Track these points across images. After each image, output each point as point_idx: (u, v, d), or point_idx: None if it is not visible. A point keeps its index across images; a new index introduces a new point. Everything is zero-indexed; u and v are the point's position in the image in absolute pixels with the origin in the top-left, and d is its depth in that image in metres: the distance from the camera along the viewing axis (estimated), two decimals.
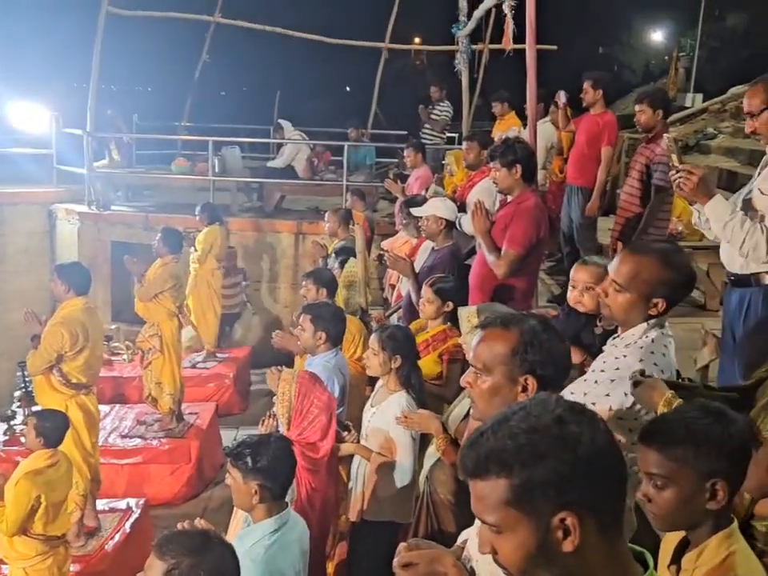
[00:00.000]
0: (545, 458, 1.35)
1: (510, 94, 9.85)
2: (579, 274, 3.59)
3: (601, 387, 2.61)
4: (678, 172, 3.43)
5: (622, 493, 1.43)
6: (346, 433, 4.41)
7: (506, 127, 9.22)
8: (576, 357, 3.16)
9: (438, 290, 4.77)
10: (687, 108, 16.86)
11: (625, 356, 2.63)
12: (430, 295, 4.78)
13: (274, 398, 4.21)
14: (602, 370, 2.66)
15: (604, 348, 2.85)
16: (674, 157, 3.54)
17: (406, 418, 3.83)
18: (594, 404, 2.54)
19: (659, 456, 2.00)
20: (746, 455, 2.03)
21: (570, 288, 3.64)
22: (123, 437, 7.64)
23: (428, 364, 4.61)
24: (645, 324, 2.66)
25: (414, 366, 4.25)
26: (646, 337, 2.65)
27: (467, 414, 3.44)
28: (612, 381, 2.60)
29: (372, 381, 4.90)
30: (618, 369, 2.62)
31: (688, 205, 3.93)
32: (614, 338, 2.80)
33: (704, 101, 17.19)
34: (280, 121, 12.37)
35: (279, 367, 4.26)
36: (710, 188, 3.43)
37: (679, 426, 2.01)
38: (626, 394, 2.57)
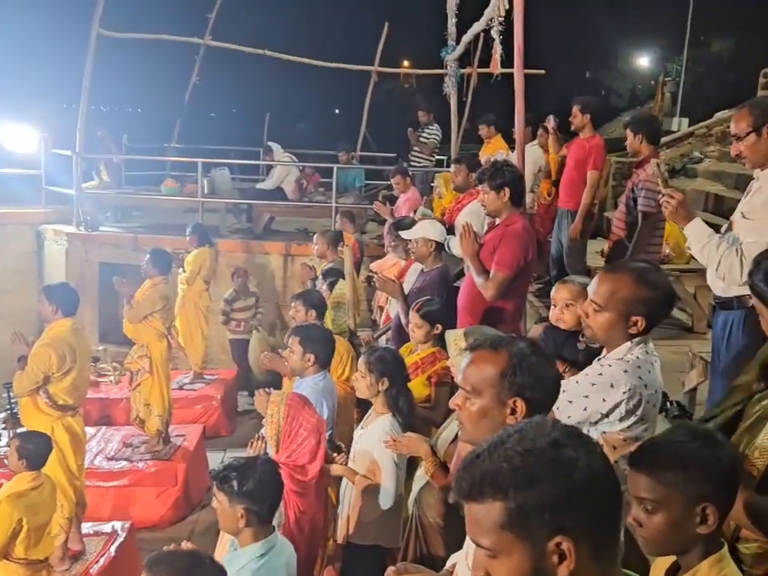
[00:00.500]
0: (540, 481, 1.34)
1: (497, 118, 9.93)
2: (559, 293, 3.64)
3: (581, 388, 2.67)
4: (662, 196, 3.52)
5: (617, 518, 1.43)
6: (335, 454, 4.40)
7: (493, 150, 9.28)
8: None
9: (425, 314, 4.78)
10: (673, 132, 16.99)
11: (610, 365, 2.69)
12: (418, 320, 4.80)
13: (263, 420, 4.19)
14: (586, 374, 2.73)
15: (593, 364, 2.87)
16: (660, 181, 3.63)
17: (394, 441, 3.82)
18: (570, 402, 2.61)
19: (649, 480, 2.00)
20: (736, 479, 2.04)
21: (551, 307, 3.68)
22: (109, 459, 7.58)
23: (417, 386, 4.60)
24: (628, 343, 2.70)
25: (403, 388, 4.24)
26: (631, 354, 2.70)
27: (456, 437, 3.43)
28: (593, 384, 2.67)
29: (360, 402, 4.89)
30: (601, 374, 2.68)
31: (675, 228, 4.00)
32: (600, 359, 2.83)
33: (690, 125, 17.35)
34: (270, 143, 12.42)
35: (268, 389, 4.25)
36: (689, 211, 3.53)
37: (668, 450, 2.02)
38: (603, 400, 2.63)
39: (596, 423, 2.68)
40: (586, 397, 2.65)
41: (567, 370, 3.23)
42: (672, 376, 4.88)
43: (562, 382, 2.71)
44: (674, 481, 1.96)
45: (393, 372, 4.19)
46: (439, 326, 4.76)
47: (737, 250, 3.40)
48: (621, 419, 2.65)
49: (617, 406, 2.64)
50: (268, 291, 11.22)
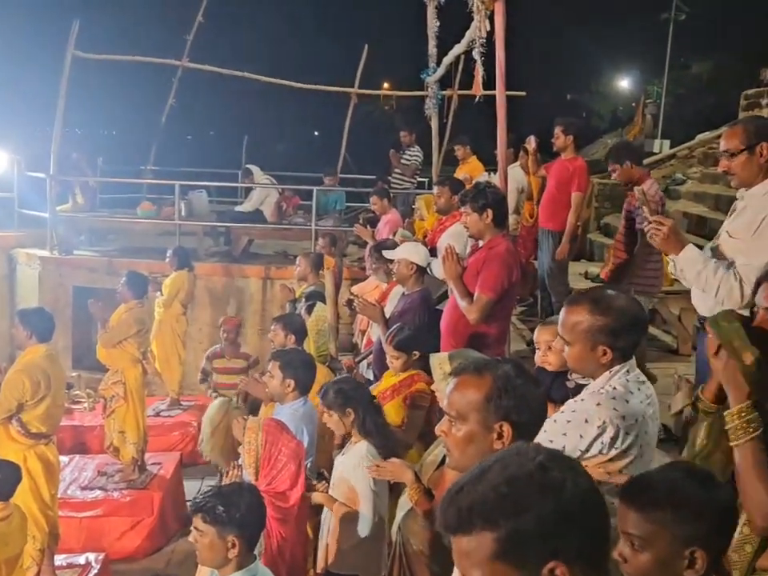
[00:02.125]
0: (530, 507, 1.33)
1: (470, 138, 10.02)
2: (541, 335, 3.68)
3: (558, 426, 2.65)
4: (649, 223, 3.49)
5: (606, 539, 1.42)
6: (315, 482, 4.37)
7: (468, 171, 9.35)
8: (549, 412, 3.18)
9: (398, 344, 4.80)
10: (655, 154, 17.19)
11: (583, 400, 2.68)
12: (393, 351, 4.82)
13: (240, 447, 4.15)
14: (562, 411, 2.72)
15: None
16: (645, 209, 3.62)
17: (377, 467, 3.79)
18: (551, 441, 2.58)
19: (638, 516, 1.96)
20: (730, 525, 1.99)
21: (536, 351, 3.70)
22: (83, 488, 7.47)
23: (393, 409, 4.61)
24: (607, 373, 2.70)
25: (370, 412, 4.23)
26: (609, 385, 2.68)
27: (442, 463, 3.41)
28: (568, 421, 2.64)
29: None
30: (574, 411, 2.67)
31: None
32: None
33: (671, 146, 17.56)
34: (249, 166, 12.44)
35: (244, 416, 4.22)
36: (681, 238, 3.48)
37: (662, 487, 1.97)
38: (581, 437, 2.60)
39: (577, 460, 2.66)
40: (564, 435, 2.62)
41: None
42: (658, 399, 4.89)
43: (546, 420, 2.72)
44: (663, 520, 1.92)
45: (354, 400, 4.20)
46: (416, 353, 4.77)
47: (734, 273, 3.37)
48: (601, 452, 2.62)
49: (593, 441, 2.61)
50: (248, 314, 11.17)
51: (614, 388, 2.66)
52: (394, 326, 4.97)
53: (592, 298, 2.72)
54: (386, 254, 5.95)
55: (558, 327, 2.80)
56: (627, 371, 2.71)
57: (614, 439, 2.60)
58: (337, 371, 6.11)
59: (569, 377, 3.43)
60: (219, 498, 3.27)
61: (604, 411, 2.60)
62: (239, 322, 9.03)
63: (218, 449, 6.10)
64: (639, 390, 2.71)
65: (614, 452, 2.62)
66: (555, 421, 2.66)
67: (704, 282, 3.43)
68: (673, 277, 3.81)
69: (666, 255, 3.63)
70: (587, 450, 2.61)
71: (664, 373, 6.07)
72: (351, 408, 4.15)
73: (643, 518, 1.95)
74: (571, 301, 2.80)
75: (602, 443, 2.60)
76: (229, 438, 5.32)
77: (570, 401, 2.75)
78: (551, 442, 2.57)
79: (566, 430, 2.62)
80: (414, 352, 4.77)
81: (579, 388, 3.10)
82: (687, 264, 3.46)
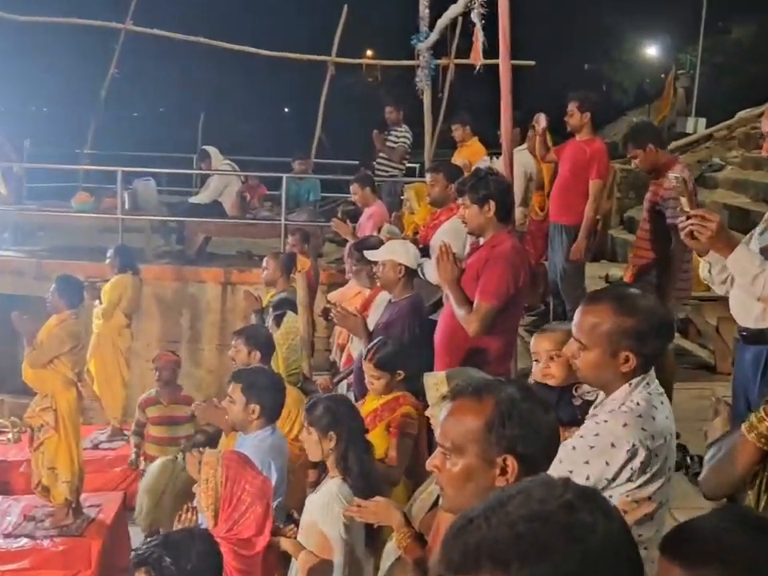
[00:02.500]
0: (551, 552, 1.30)
1: (472, 117, 10.05)
2: (540, 344, 3.69)
3: (579, 454, 2.69)
4: (688, 218, 3.45)
5: None
6: (282, 526, 4.35)
7: (468, 155, 9.37)
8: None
9: (380, 362, 4.81)
10: (688, 135, 17.27)
11: (606, 421, 2.72)
12: (373, 370, 4.83)
13: (195, 486, 4.14)
14: (581, 436, 2.76)
15: (586, 419, 2.90)
16: (684, 200, 3.58)
17: (359, 508, 3.78)
18: (570, 472, 2.63)
19: (682, 573, 1.95)
20: None
21: (533, 363, 3.74)
22: (7, 536, 7.43)
23: (374, 439, 4.59)
24: (627, 386, 2.76)
25: (353, 443, 4.22)
26: (631, 401, 2.73)
27: (435, 504, 3.42)
28: (591, 447, 2.68)
29: (317, 463, 4.86)
30: (598, 435, 2.71)
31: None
32: (596, 407, 2.88)
33: (707, 126, 17.63)
34: (206, 148, 12.40)
35: (200, 448, 4.21)
36: (730, 236, 3.47)
37: (709, 539, 1.95)
38: (607, 464, 2.65)
39: (603, 490, 2.69)
40: (587, 463, 2.67)
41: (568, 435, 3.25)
42: (692, 425, 4.90)
43: (561, 446, 2.74)
44: None
45: (341, 425, 4.18)
46: (401, 372, 4.80)
47: None
48: (630, 479, 2.68)
49: (623, 467, 2.66)
50: (204, 327, 11.15)
51: (638, 404, 2.72)
52: (376, 340, 4.98)
53: (615, 296, 2.80)
54: (369, 254, 5.95)
55: (573, 328, 2.85)
56: (647, 383, 2.77)
57: (644, 463, 2.66)
58: (311, 394, 6.10)
59: (574, 392, 3.46)
60: (166, 547, 3.26)
61: (633, 432, 2.66)
62: (177, 360, 8.62)
63: (166, 518, 5.84)
64: (662, 403, 2.79)
65: (644, 477, 2.68)
66: (574, 448, 2.71)
67: (761, 288, 3.43)
68: (704, 281, 3.81)
69: (701, 256, 3.62)
70: (614, 479, 2.67)
71: (699, 394, 6.11)
72: (336, 433, 4.14)
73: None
74: (591, 299, 2.87)
75: (632, 469, 2.66)
76: (180, 505, 5.18)
77: (589, 423, 2.79)
78: (571, 472, 2.62)
79: (588, 457, 2.67)
80: (399, 371, 4.79)
81: (587, 405, 3.13)
82: (738, 267, 3.46)
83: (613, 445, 2.66)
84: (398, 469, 4.68)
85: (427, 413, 3.97)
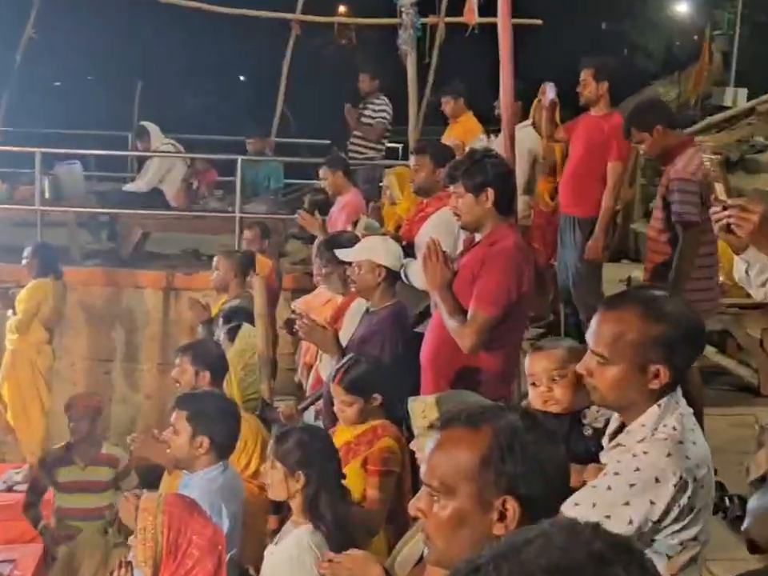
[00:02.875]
0: None
1: (466, 88, 10.07)
2: (538, 364, 3.71)
3: (616, 494, 2.70)
4: (725, 208, 3.45)
5: None
6: None
7: (461, 133, 9.39)
8: (574, 476, 3.19)
9: (351, 385, 4.81)
10: (726, 108, 17.35)
11: (645, 452, 2.74)
12: (343, 395, 4.83)
13: (131, 538, 4.12)
14: (616, 473, 2.76)
15: (607, 451, 2.94)
16: (719, 187, 3.58)
17: (330, 563, 3.77)
18: (608, 517, 2.63)
19: None
20: None
21: (529, 388, 3.75)
22: None
23: (349, 476, 4.59)
24: (656, 408, 2.79)
25: (329, 486, 4.22)
26: (664, 426, 2.77)
27: (423, 556, 3.41)
28: (632, 485, 2.70)
29: (278, 507, 4.85)
30: (638, 470, 2.71)
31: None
32: (612, 435, 2.92)
33: (749, 98, 17.72)
34: (144, 124, 12.36)
35: (136, 491, 4.19)
36: None
37: None
38: (652, 503, 2.67)
39: (647, 533, 2.72)
40: (628, 504, 2.69)
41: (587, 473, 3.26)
42: (730, 459, 4.93)
43: (589, 487, 2.79)
44: None
45: (312, 463, 4.18)
46: (377, 396, 4.80)
47: None
48: (677, 519, 2.72)
49: (670, 505, 2.70)
50: (142, 342, 11.11)
51: (674, 428, 2.76)
52: (347, 358, 4.97)
53: (640, 299, 2.84)
54: (342, 253, 5.94)
55: (590, 339, 2.86)
56: (676, 402, 2.82)
57: (691, 498, 2.70)
58: (272, 423, 6.08)
59: (582, 420, 3.47)
60: None
61: (678, 462, 2.69)
62: (97, 407, 8.01)
63: None
64: (695, 424, 2.84)
65: (690, 515, 2.72)
66: (610, 488, 2.72)
67: None
68: (740, 283, 3.81)
69: (737, 253, 3.61)
70: (661, 520, 2.70)
71: (739, 421, 6.14)
72: (306, 473, 4.14)
73: None
74: (611, 304, 2.91)
75: (680, 506, 2.70)
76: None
77: (622, 456, 2.80)
78: (608, 518, 2.64)
79: (629, 497, 2.69)
80: (374, 395, 4.78)
81: (598, 435, 3.14)
82: None
83: (657, 479, 2.68)
84: (378, 514, 4.68)
85: (412, 446, 3.96)
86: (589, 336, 2.88)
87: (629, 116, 6.56)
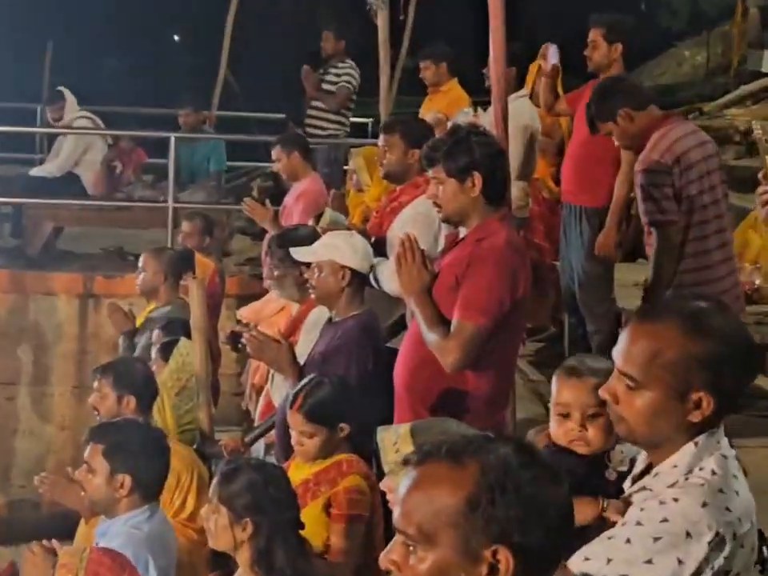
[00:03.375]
0: None
1: (452, 50, 10.11)
2: (572, 393, 3.59)
3: (637, 548, 2.61)
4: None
5: None
6: None
7: (444, 105, 9.43)
8: (588, 511, 3.20)
9: (313, 413, 4.78)
10: (764, 75, 17.42)
11: (676, 499, 2.66)
12: (303, 426, 4.80)
13: None
14: (639, 523, 2.68)
15: (631, 494, 2.89)
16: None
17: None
18: None
19: None
20: None
21: (555, 417, 3.63)
22: None
23: (308, 521, 4.57)
24: (691, 446, 2.73)
25: (284, 537, 4.22)
26: (701, 468, 2.71)
27: None
28: (656, 539, 2.60)
29: (218, 557, 4.86)
30: (665, 521, 2.63)
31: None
32: (640, 475, 2.87)
33: None
34: (60, 89, 12.31)
35: (45, 543, 4.18)
36: None
37: None
38: (680, 562, 2.58)
39: None
40: (650, 563, 2.58)
41: (606, 507, 3.25)
42: None
43: (605, 538, 2.70)
44: None
45: (263, 510, 4.19)
46: (344, 426, 4.80)
47: None
48: None
49: (702, 567, 2.60)
50: (53, 361, 11.06)
51: (713, 472, 2.69)
52: (307, 379, 4.97)
53: (684, 311, 2.75)
54: (297, 252, 5.93)
55: (618, 358, 2.79)
56: (718, 441, 2.76)
57: (728, 559, 2.62)
58: (212, 459, 6.08)
59: (607, 462, 3.45)
60: None
61: (715, 514, 2.62)
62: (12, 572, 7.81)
63: None
64: (739, 470, 2.77)
65: None
66: (629, 540, 2.64)
67: None
68: None
69: None
70: None
71: None
72: (255, 520, 4.15)
73: None
74: (647, 315, 2.85)
75: (714, 568, 2.61)
76: None
77: (651, 503, 2.71)
78: None
79: (652, 553, 2.59)
80: (341, 425, 4.78)
81: (622, 480, 3.12)
82: None
83: (689, 534, 2.58)
84: (344, 568, 4.66)
85: (382, 485, 3.97)
86: (617, 353, 2.80)
87: (587, 107, 6.60)
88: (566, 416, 3.58)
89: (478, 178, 4.80)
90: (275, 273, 6.76)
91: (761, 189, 3.52)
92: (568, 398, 3.59)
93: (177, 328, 6.98)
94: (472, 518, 2.14)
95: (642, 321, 2.81)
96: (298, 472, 4.83)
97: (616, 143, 6.34)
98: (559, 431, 3.60)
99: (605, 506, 3.22)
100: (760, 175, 3.61)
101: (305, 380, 4.97)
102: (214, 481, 4.31)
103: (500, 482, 2.15)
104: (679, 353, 2.67)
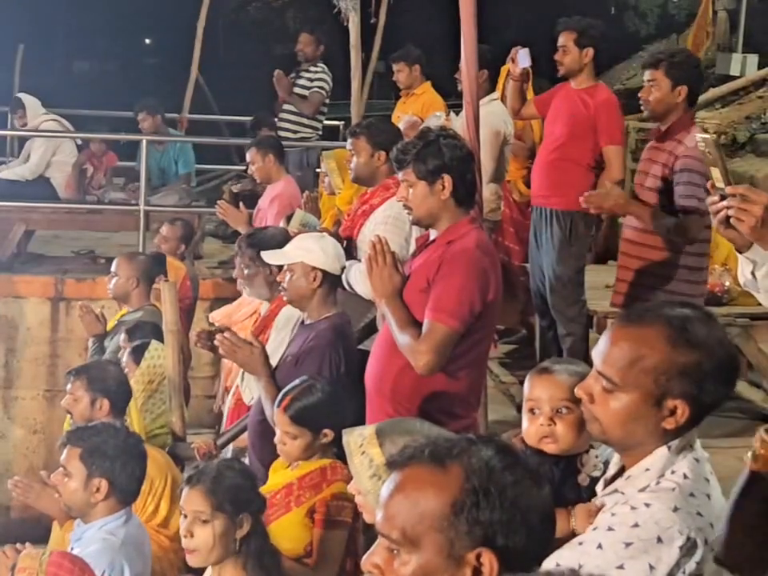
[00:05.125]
0: None
1: (422, 53, 10.11)
2: (541, 388, 3.60)
3: (608, 554, 2.63)
4: (723, 198, 3.48)
5: None
6: None
7: (419, 107, 9.42)
8: (560, 524, 3.21)
9: (299, 416, 4.77)
10: (733, 78, 17.46)
11: (647, 504, 2.67)
12: (289, 427, 4.78)
13: None
14: (610, 528, 2.69)
15: (596, 499, 2.93)
16: (716, 172, 3.61)
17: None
18: None
19: None
20: None
21: (526, 414, 3.64)
22: None
23: (290, 528, 4.61)
24: (664, 449, 2.74)
25: (263, 534, 4.24)
26: (672, 472, 2.72)
27: None
28: (628, 545, 2.62)
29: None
30: (636, 525, 2.64)
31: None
32: (612, 478, 2.88)
33: (760, 66, 17.85)
34: (19, 96, 12.27)
35: (17, 545, 4.15)
36: None
37: None
38: (651, 568, 2.59)
39: None
40: (621, 569, 2.60)
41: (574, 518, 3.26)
42: None
43: (575, 543, 2.73)
44: None
45: (249, 505, 4.18)
46: (328, 432, 4.77)
47: None
48: None
49: (674, 572, 2.63)
50: (23, 365, 11.01)
51: (685, 476, 2.71)
52: (299, 380, 4.96)
53: (672, 319, 2.76)
54: (269, 255, 5.91)
55: (597, 359, 2.80)
56: (690, 445, 2.78)
57: (700, 564, 2.64)
58: (184, 462, 6.06)
59: (579, 465, 3.46)
60: None
61: (686, 519, 2.64)
62: None
63: None
64: (712, 474, 2.79)
65: None
66: (600, 546, 2.65)
67: None
68: (745, 288, 3.83)
69: (741, 252, 3.64)
70: None
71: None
72: (247, 517, 4.15)
73: None
74: (632, 319, 2.86)
75: (685, 572, 2.64)
76: None
77: (622, 508, 2.73)
78: None
79: (623, 558, 2.61)
80: (325, 431, 4.76)
81: (593, 484, 3.12)
82: None
83: (660, 539, 2.60)
84: (323, 573, 4.64)
85: (350, 488, 3.95)
86: (596, 354, 2.81)
87: (664, 55, 6.53)
88: (535, 413, 3.59)
89: (448, 180, 4.82)
90: (245, 272, 6.75)
91: (710, 199, 3.52)
92: (539, 392, 3.61)
93: (145, 331, 6.97)
94: (456, 522, 2.15)
95: (627, 324, 2.83)
96: (279, 477, 4.82)
97: (648, 103, 6.28)
98: (530, 429, 3.60)
99: (574, 522, 3.23)
100: (708, 185, 3.61)
101: (296, 381, 4.95)
102: (198, 487, 4.21)
103: (484, 486, 2.16)
104: (661, 360, 2.69)
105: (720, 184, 3.50)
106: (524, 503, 2.18)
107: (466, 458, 2.21)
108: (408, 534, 2.18)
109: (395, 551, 2.20)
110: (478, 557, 2.14)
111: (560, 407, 3.51)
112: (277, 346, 5.90)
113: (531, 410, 3.60)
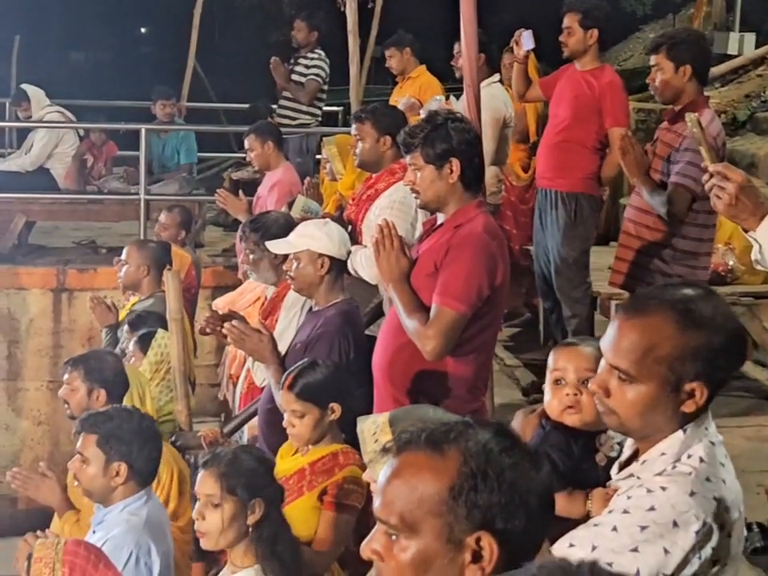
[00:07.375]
0: None
1: (416, 38, 10.10)
2: (567, 359, 3.61)
3: (622, 537, 2.61)
4: (712, 176, 3.49)
5: None
6: None
7: (416, 89, 9.40)
8: (575, 510, 3.20)
9: (304, 392, 4.77)
10: (731, 57, 17.43)
11: (664, 488, 2.66)
12: (295, 403, 4.76)
13: None
14: (626, 511, 2.67)
15: (611, 483, 2.92)
16: (703, 151, 3.62)
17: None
18: (609, 565, 2.49)
19: None
20: None
21: (550, 384, 3.63)
22: None
23: (302, 512, 4.61)
24: (680, 433, 2.73)
25: (280, 519, 4.24)
26: (689, 456, 2.71)
27: None
28: (643, 528, 2.60)
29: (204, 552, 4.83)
30: (652, 509, 2.63)
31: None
32: (626, 461, 2.88)
33: (757, 45, 17.82)
34: (23, 87, 12.25)
35: (37, 533, 4.14)
36: (757, 201, 3.51)
37: None
38: (666, 552, 2.57)
39: None
40: (636, 551, 2.58)
41: (591, 501, 3.25)
42: (747, 480, 4.96)
43: (591, 525, 2.72)
44: None
45: (261, 490, 4.18)
46: (335, 407, 4.77)
47: None
48: (698, 574, 2.61)
49: (688, 555, 2.60)
50: (26, 356, 11.00)
51: (701, 460, 2.70)
52: (300, 363, 4.95)
53: (675, 302, 2.74)
54: (274, 245, 5.89)
55: (608, 352, 2.78)
56: (706, 428, 2.76)
57: (716, 549, 2.63)
58: (188, 452, 6.04)
59: (598, 445, 3.45)
60: None
61: (702, 504, 2.62)
62: None
63: None
64: (727, 458, 2.78)
65: (714, 571, 2.64)
66: (615, 528, 2.64)
67: None
68: (756, 266, 3.83)
69: (746, 231, 3.65)
70: (675, 574, 2.59)
71: (757, 434, 6.20)
72: (260, 503, 4.15)
73: None
74: (635, 308, 2.83)
75: (701, 558, 2.61)
76: None
77: (638, 492, 2.71)
78: (610, 566, 2.48)
79: (638, 542, 2.59)
80: (332, 405, 4.76)
81: (609, 465, 3.11)
82: None
83: (676, 523, 2.58)
84: (327, 556, 4.65)
85: (365, 476, 3.95)
86: (606, 347, 2.79)
87: (666, 38, 6.51)
88: (560, 384, 3.59)
89: (456, 164, 4.80)
90: (251, 257, 6.73)
91: (704, 177, 3.53)
92: (564, 362, 3.61)
93: (150, 320, 6.95)
94: (454, 506, 2.15)
95: (632, 314, 2.79)
96: (291, 462, 4.81)
97: (657, 89, 6.29)
98: (554, 401, 3.60)
99: (590, 505, 3.22)
100: (702, 166, 3.62)
101: (301, 363, 4.96)
102: (209, 471, 4.23)
103: (481, 469, 2.16)
104: (673, 347, 2.67)
105: (707, 162, 3.52)
106: (522, 485, 2.18)
107: (463, 442, 2.21)
108: (407, 519, 2.18)
109: (394, 537, 2.20)
110: (478, 540, 2.14)
111: (586, 378, 3.46)
112: (286, 325, 5.90)
113: (556, 381, 3.60)
